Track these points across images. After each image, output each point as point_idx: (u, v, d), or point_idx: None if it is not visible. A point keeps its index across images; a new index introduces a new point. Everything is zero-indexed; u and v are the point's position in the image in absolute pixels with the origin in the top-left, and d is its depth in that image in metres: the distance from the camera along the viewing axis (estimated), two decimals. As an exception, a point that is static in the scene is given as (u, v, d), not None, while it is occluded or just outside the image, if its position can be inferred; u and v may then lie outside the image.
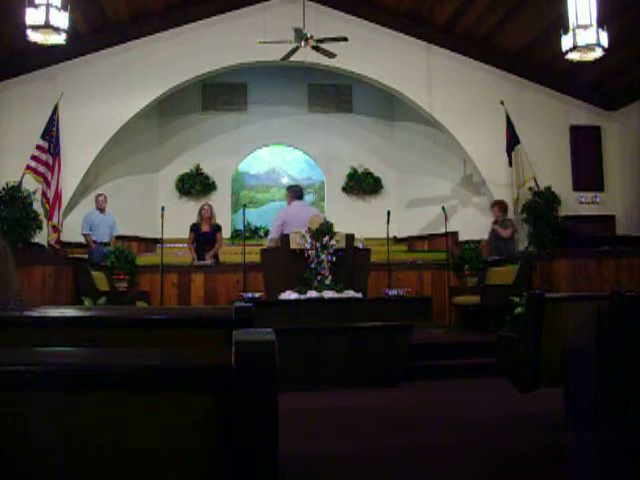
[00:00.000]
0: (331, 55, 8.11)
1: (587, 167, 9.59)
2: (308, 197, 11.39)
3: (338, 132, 11.24)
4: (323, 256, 5.41)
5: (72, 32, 6.73)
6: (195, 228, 8.33)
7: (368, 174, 11.13)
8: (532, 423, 3.82)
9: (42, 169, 8.21)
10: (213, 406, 1.02)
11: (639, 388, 3.31)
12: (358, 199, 11.21)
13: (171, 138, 10.99)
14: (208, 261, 8.18)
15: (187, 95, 10.63)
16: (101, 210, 8.67)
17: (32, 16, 5.99)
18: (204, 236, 8.31)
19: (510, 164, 9.10)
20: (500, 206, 8.65)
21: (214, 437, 1.03)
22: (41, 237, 8.14)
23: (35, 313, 2.04)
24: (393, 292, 5.87)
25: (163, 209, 7.92)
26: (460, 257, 8.79)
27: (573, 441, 3.37)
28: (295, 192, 6.59)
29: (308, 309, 5.10)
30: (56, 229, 8.24)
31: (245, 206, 8.57)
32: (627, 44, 7.94)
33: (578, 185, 9.52)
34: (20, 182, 8.10)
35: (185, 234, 8.52)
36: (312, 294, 5.26)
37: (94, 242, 8.48)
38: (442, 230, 8.81)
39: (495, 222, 8.61)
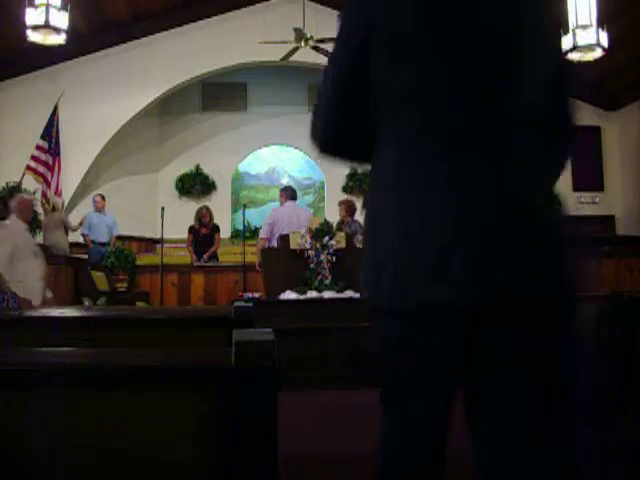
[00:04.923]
0: (331, 55, 8.11)
1: (587, 167, 9.60)
2: (308, 197, 11.40)
3: (338, 132, 11.23)
4: (323, 256, 5.41)
5: (72, 32, 6.73)
6: (193, 230, 8.33)
7: (368, 174, 11.11)
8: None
9: (42, 169, 8.21)
10: (213, 406, 1.02)
11: (639, 388, 3.30)
12: (359, 199, 11.19)
13: (171, 138, 10.99)
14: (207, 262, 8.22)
15: (187, 95, 10.63)
16: (99, 210, 8.67)
17: (32, 16, 6.00)
18: (203, 238, 8.31)
19: (510, 164, 9.10)
20: (347, 205, 7.65)
21: (214, 437, 1.03)
22: (41, 237, 8.14)
23: (35, 313, 2.04)
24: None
25: (163, 209, 7.91)
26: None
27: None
28: (288, 193, 6.63)
29: (308, 309, 5.10)
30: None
31: (245, 206, 8.56)
32: (627, 44, 7.94)
33: (578, 185, 9.53)
34: (20, 182, 8.10)
35: (185, 234, 8.53)
36: (312, 294, 5.26)
37: (92, 242, 8.49)
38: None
39: (341, 224, 7.81)
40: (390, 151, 1.14)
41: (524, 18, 1.11)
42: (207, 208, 8.45)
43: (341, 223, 7.91)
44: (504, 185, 1.04)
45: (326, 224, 5.57)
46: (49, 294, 4.88)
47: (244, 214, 8.32)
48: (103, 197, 8.76)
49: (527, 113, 1.11)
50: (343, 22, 1.18)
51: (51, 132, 8.34)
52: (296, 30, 7.71)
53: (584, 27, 6.32)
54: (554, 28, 1.24)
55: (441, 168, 1.06)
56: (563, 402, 1.13)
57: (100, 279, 7.13)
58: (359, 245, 7.70)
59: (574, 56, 6.56)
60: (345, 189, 11.18)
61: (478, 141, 1.07)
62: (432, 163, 1.07)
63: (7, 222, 4.94)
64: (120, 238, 8.95)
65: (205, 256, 8.20)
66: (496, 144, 1.07)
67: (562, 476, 1.10)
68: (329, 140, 1.26)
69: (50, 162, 8.26)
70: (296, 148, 11.30)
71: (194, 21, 9.23)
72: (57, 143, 8.37)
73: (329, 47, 8.02)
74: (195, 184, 10.76)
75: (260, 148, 11.29)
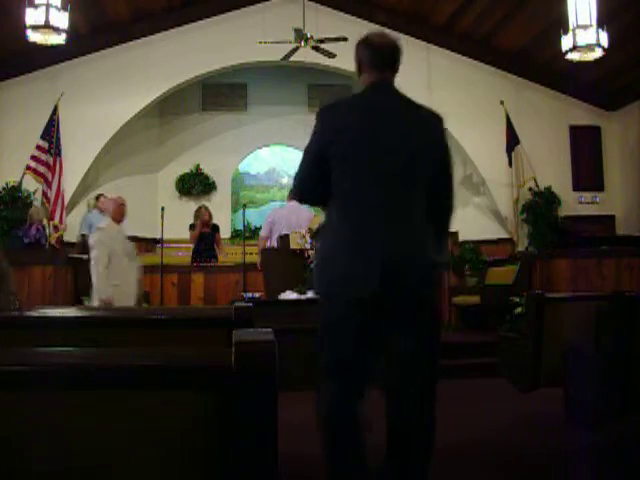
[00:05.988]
0: (331, 55, 8.11)
1: (587, 167, 9.58)
2: (308, 197, 11.39)
3: (338, 132, 11.22)
4: (323, 256, 5.41)
5: (72, 32, 6.72)
6: (194, 229, 8.34)
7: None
8: (532, 423, 3.82)
9: (42, 169, 8.20)
10: (213, 405, 1.02)
11: (639, 388, 3.30)
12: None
13: (171, 138, 10.98)
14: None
15: (187, 95, 10.62)
16: (100, 211, 8.69)
17: (32, 16, 5.99)
18: (205, 237, 8.31)
19: (510, 164, 9.09)
20: None
21: (214, 436, 1.03)
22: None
23: (35, 313, 2.04)
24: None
25: (163, 209, 7.91)
26: (460, 257, 8.78)
27: (573, 441, 3.37)
28: (292, 193, 6.65)
29: (308, 309, 5.10)
30: (57, 229, 8.23)
31: (245, 206, 8.56)
32: (627, 44, 7.93)
33: (578, 185, 9.51)
34: (20, 182, 8.10)
35: (185, 234, 8.53)
36: (312, 294, 5.26)
37: (94, 242, 8.51)
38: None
39: None
40: (335, 212, 2.07)
41: (418, 144, 2.07)
42: (206, 207, 8.48)
43: None
44: (398, 239, 1.96)
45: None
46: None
47: (244, 214, 8.32)
48: (105, 197, 8.79)
49: (411, 199, 2.04)
50: (312, 137, 2.12)
51: (51, 132, 8.34)
52: (296, 30, 7.70)
53: (584, 27, 6.31)
54: (441, 151, 2.15)
55: (362, 227, 1.97)
56: (430, 349, 2.03)
57: (100, 279, 7.11)
58: None
59: (574, 56, 6.55)
60: (345, 189, 11.17)
61: (384, 213, 1.98)
62: (357, 223, 1.99)
63: (102, 225, 4.95)
64: (120, 238, 8.94)
65: (217, 261, 8.24)
66: (396, 215, 2.00)
67: (430, 383, 2.02)
68: (302, 197, 2.29)
69: (50, 162, 8.25)
70: (296, 148, 11.29)
71: (194, 21, 9.22)
72: (58, 143, 8.36)
73: (329, 47, 8.02)
74: (195, 184, 10.76)
75: (260, 148, 11.29)
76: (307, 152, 2.13)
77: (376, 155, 2.01)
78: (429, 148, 2.09)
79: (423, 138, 2.09)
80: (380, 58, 2.19)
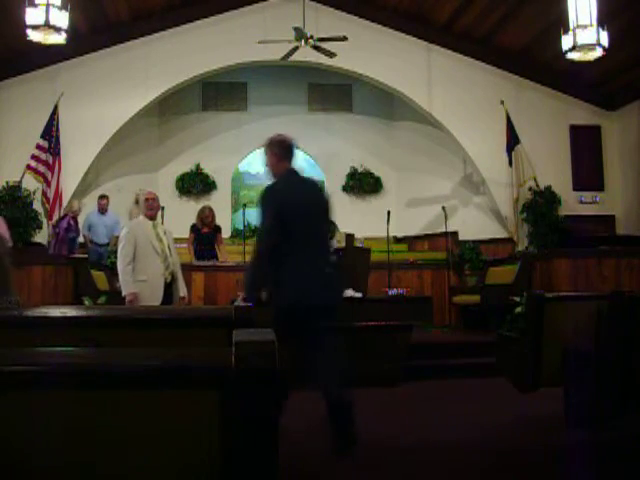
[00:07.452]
0: (331, 55, 8.11)
1: (587, 167, 9.59)
2: (308, 197, 11.38)
3: (338, 132, 11.23)
4: (323, 256, 5.42)
5: (72, 32, 6.72)
6: (195, 229, 8.31)
7: (368, 174, 11.12)
8: (532, 423, 3.82)
9: (42, 169, 8.22)
10: (213, 405, 1.02)
11: (639, 388, 3.31)
12: (358, 199, 11.20)
13: (171, 137, 10.99)
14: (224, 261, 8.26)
15: (187, 95, 10.62)
16: (101, 211, 8.71)
17: (32, 16, 5.99)
18: (206, 237, 8.29)
19: (510, 164, 9.10)
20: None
21: (214, 436, 1.03)
22: (41, 237, 8.14)
23: (35, 313, 2.04)
24: (393, 292, 5.86)
25: (163, 209, 7.89)
26: (460, 257, 8.78)
27: (573, 441, 3.37)
28: None
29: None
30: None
31: (245, 206, 8.55)
32: (627, 44, 7.93)
33: (578, 185, 9.52)
34: (20, 182, 8.11)
35: (185, 234, 8.52)
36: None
37: (91, 242, 8.51)
38: (442, 230, 8.81)
39: None
40: (289, 258, 3.20)
41: (321, 209, 3.40)
42: (210, 208, 8.42)
43: None
44: (322, 269, 3.30)
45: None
46: (182, 293, 4.88)
47: (244, 214, 8.31)
48: (106, 197, 8.81)
49: (325, 244, 3.48)
50: (269, 210, 3.22)
51: (51, 131, 8.35)
52: (296, 29, 7.71)
53: (584, 27, 6.31)
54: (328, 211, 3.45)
55: (306, 264, 3.24)
56: (336, 339, 3.26)
57: (100, 279, 7.12)
58: None
59: (574, 56, 6.55)
60: (345, 188, 11.19)
61: (318, 255, 3.32)
62: (307, 262, 3.24)
63: (135, 220, 4.95)
64: (120, 238, 8.96)
65: (223, 258, 8.23)
66: (317, 254, 3.32)
67: (338, 368, 3.24)
68: (270, 241, 3.20)
69: (50, 161, 8.26)
70: (296, 148, 11.28)
71: (193, 21, 9.23)
72: (57, 143, 8.37)
73: (329, 47, 8.02)
74: (195, 184, 10.76)
75: (260, 147, 11.25)
76: (270, 211, 3.19)
77: (304, 218, 3.22)
78: (325, 211, 3.41)
79: (322, 205, 3.40)
80: (291, 152, 3.51)
